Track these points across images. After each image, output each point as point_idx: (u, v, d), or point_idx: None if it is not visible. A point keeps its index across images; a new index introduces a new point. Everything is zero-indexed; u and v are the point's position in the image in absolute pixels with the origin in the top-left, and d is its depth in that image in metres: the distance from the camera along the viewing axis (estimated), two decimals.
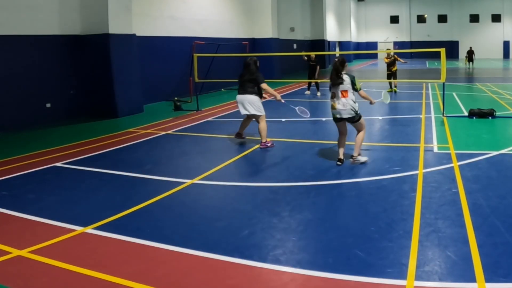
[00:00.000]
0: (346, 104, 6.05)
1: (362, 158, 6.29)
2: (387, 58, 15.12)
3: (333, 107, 6.19)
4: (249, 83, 7.43)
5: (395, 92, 14.97)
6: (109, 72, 11.37)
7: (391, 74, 14.95)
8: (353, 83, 6.08)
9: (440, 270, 3.28)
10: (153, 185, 5.65)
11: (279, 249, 3.74)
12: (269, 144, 7.52)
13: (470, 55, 28.85)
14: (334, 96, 6.18)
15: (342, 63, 6.11)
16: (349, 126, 6.40)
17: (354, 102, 6.10)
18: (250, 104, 7.37)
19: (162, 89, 14.58)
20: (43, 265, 3.56)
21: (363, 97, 6.38)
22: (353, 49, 45.71)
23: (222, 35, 18.50)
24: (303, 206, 4.74)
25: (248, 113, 7.49)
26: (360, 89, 6.17)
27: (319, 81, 15.65)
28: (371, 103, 6.68)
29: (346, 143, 6.49)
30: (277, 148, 7.55)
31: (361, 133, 6.28)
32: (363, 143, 6.48)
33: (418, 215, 4.32)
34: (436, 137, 7.82)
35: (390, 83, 15.35)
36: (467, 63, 29.04)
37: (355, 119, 6.15)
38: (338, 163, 6.28)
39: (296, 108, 7.63)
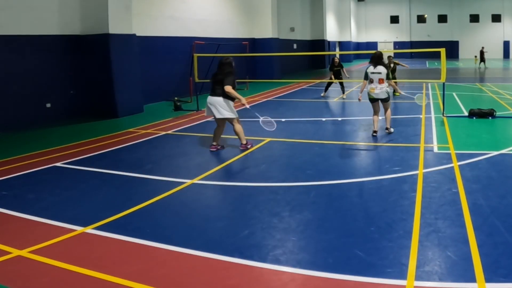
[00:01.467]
0: (382, 88, 7.90)
1: (392, 129, 8.34)
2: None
3: (371, 91, 7.96)
4: (219, 85, 7.06)
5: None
6: (109, 72, 11.37)
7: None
8: (387, 75, 7.89)
9: (440, 270, 3.28)
10: (153, 185, 5.65)
11: (279, 249, 3.74)
12: (249, 146, 7.36)
13: (482, 55, 29.17)
14: (372, 82, 7.94)
15: (379, 57, 8.00)
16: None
17: (387, 87, 8.02)
18: (220, 106, 7.03)
19: (162, 89, 14.58)
20: (43, 265, 3.56)
21: (391, 85, 8.25)
22: (353, 49, 45.69)
23: (222, 35, 18.49)
24: (303, 206, 4.74)
25: (218, 117, 7.09)
26: (391, 79, 8.11)
27: (344, 80, 15.29)
28: (396, 92, 8.48)
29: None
30: (277, 148, 7.55)
31: (388, 110, 8.27)
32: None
33: (418, 215, 4.32)
34: (436, 137, 7.82)
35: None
36: (479, 63, 29.32)
37: (387, 99, 8.07)
38: (374, 134, 8.08)
39: (261, 118, 7.46)
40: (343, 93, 14.97)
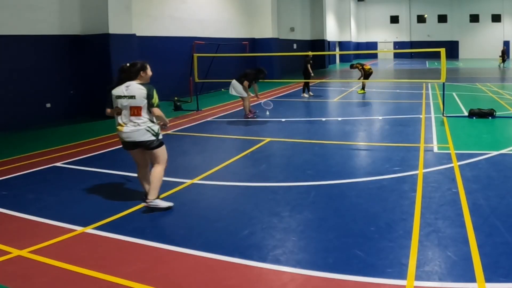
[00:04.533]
0: (139, 124, 4.56)
1: (163, 204, 4.66)
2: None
3: (120, 129, 4.63)
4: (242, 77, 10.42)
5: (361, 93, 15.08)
6: (109, 72, 11.35)
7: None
8: (149, 97, 4.52)
9: (440, 270, 3.28)
10: None
11: (279, 249, 3.73)
12: (252, 115, 10.35)
13: (504, 54, 29.75)
14: (119, 114, 4.60)
15: (141, 68, 4.68)
16: None
17: (152, 122, 4.67)
18: (237, 88, 10.35)
19: (162, 89, 14.45)
20: (43, 265, 3.56)
21: (158, 117, 4.71)
22: (353, 49, 45.68)
23: (222, 35, 18.49)
24: (303, 206, 4.74)
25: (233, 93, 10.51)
26: (157, 106, 4.60)
27: (311, 81, 15.52)
28: (166, 125, 5.00)
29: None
30: (277, 148, 7.55)
31: (158, 168, 4.71)
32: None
33: (418, 215, 4.32)
34: (436, 137, 7.82)
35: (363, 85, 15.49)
36: (501, 62, 29.78)
37: (153, 144, 4.66)
38: (146, 202, 4.63)
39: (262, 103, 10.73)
40: (304, 91, 15.32)
